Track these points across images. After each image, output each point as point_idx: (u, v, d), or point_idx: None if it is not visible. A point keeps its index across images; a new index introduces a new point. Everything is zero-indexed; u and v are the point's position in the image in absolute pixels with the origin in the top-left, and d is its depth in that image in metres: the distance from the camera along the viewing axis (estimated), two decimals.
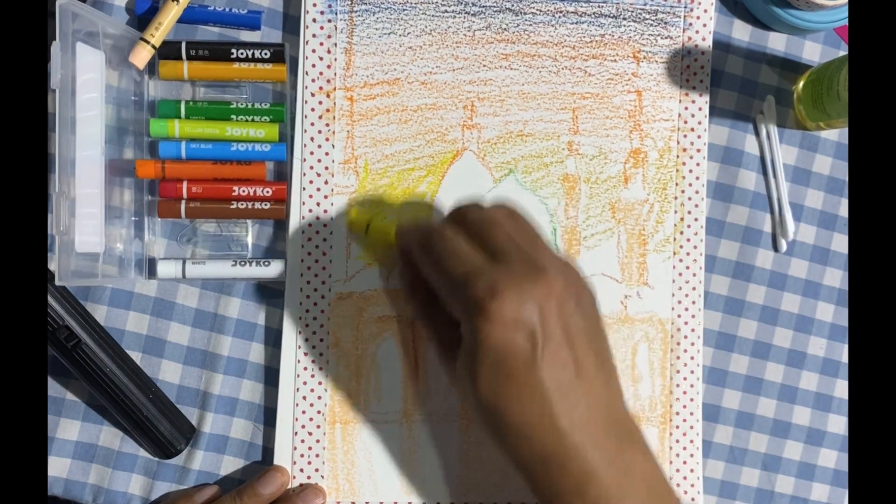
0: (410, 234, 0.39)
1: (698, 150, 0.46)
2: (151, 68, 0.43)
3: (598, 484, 0.34)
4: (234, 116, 0.43)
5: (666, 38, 0.46)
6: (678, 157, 0.46)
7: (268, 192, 0.43)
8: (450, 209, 0.39)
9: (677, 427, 0.45)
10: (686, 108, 0.46)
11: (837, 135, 0.48)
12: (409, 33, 0.44)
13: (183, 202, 0.43)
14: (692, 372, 0.46)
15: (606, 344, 0.37)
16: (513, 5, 0.45)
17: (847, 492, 0.48)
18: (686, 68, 0.46)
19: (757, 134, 0.47)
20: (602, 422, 0.35)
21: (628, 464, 0.35)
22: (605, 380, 0.36)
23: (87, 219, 0.40)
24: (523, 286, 0.33)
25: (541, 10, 0.45)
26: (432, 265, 0.36)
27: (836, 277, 0.48)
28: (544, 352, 0.34)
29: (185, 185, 0.43)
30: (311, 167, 0.44)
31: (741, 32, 0.47)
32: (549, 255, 0.36)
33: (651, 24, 0.45)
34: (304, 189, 0.44)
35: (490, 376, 0.34)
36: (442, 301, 0.37)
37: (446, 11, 0.45)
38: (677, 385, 0.46)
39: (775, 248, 0.48)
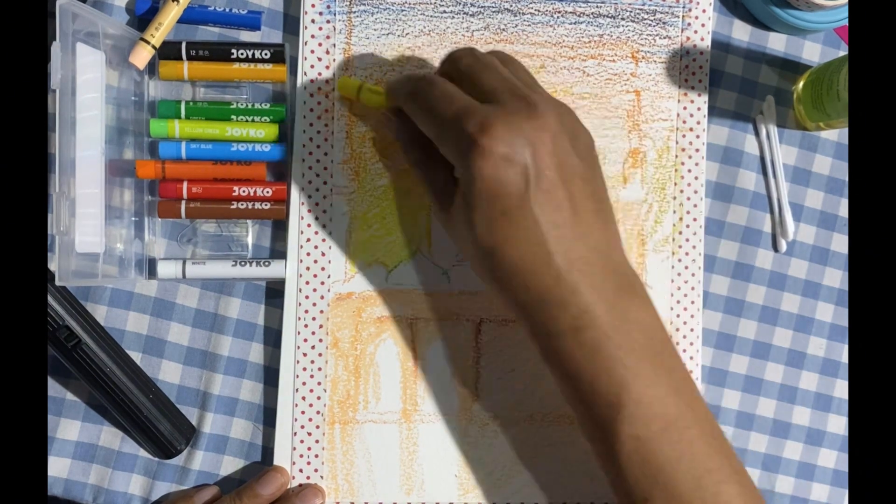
0: (401, 86, 0.38)
1: (697, 150, 0.46)
2: (151, 68, 0.43)
3: (595, 326, 0.34)
4: (234, 116, 0.43)
5: (664, 38, 0.46)
6: (677, 157, 0.46)
7: (268, 192, 0.44)
8: (443, 59, 0.38)
9: None
10: (685, 108, 0.46)
11: (837, 135, 0.48)
12: (407, 34, 0.44)
13: (183, 202, 0.43)
14: (691, 371, 0.46)
15: (604, 188, 0.37)
16: (511, 6, 0.45)
17: (847, 492, 0.48)
18: (685, 68, 0.46)
19: (757, 134, 0.47)
20: (600, 266, 0.35)
21: (625, 310, 0.35)
22: (603, 224, 0.36)
23: (87, 219, 0.40)
24: (515, 121, 0.33)
25: (539, 11, 0.45)
26: (425, 112, 0.36)
27: (836, 277, 0.48)
28: (537, 188, 0.33)
29: (185, 185, 0.43)
30: (311, 167, 0.44)
31: (741, 32, 0.47)
32: (544, 94, 0.36)
33: (649, 24, 0.45)
34: (303, 189, 0.44)
35: (485, 215, 0.34)
36: (438, 148, 0.37)
37: (445, 12, 0.45)
38: None
39: (775, 248, 0.48)
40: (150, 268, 0.43)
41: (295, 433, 0.44)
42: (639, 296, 0.36)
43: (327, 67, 0.44)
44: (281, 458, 0.44)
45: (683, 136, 0.46)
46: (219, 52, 0.43)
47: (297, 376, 0.44)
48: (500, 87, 0.35)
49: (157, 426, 0.42)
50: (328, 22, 0.44)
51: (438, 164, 0.38)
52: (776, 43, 0.48)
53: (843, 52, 0.48)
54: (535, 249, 0.34)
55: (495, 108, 0.34)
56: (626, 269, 0.36)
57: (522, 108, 0.34)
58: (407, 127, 0.39)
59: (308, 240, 0.44)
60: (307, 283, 0.44)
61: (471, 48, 0.38)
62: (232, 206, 0.43)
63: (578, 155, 0.35)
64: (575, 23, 0.45)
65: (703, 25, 0.46)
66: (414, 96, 0.37)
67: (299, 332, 0.44)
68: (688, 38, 0.46)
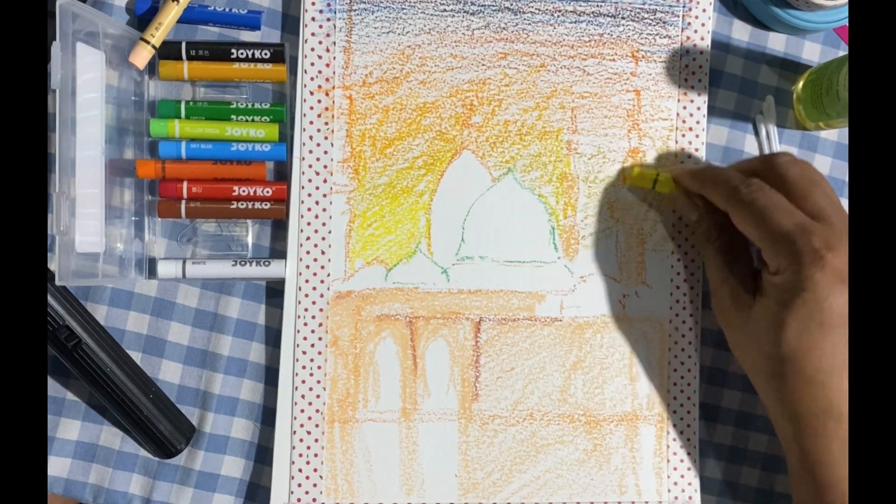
0: (716, 182, 0.41)
1: (696, 150, 0.46)
2: (151, 68, 0.43)
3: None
4: (234, 116, 0.43)
5: (664, 37, 0.46)
6: (677, 156, 0.46)
7: (268, 191, 0.44)
8: (758, 158, 0.41)
9: (674, 426, 0.45)
10: (685, 108, 0.46)
11: (837, 135, 0.48)
12: (407, 32, 0.44)
13: (183, 202, 0.43)
14: (689, 371, 0.46)
15: None
16: (511, 4, 0.45)
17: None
18: (685, 68, 0.46)
19: (756, 134, 0.47)
20: None
21: None
22: None
23: (87, 219, 0.40)
24: (847, 246, 0.36)
25: (539, 10, 0.45)
26: (752, 216, 0.39)
27: None
28: (851, 309, 0.36)
29: (185, 185, 0.43)
30: (310, 166, 0.44)
31: (741, 32, 0.47)
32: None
33: (650, 24, 0.45)
34: (303, 188, 0.44)
35: (802, 322, 0.37)
36: (744, 243, 0.41)
37: (445, 10, 0.45)
38: (675, 384, 0.46)
39: None
40: (150, 268, 0.43)
41: (294, 432, 0.44)
42: None
43: (327, 66, 0.44)
44: (280, 457, 0.44)
45: (683, 135, 0.46)
46: (219, 52, 0.43)
47: (297, 375, 0.44)
48: (830, 209, 0.38)
49: (157, 426, 0.42)
50: (328, 20, 0.44)
51: (741, 258, 0.42)
52: (776, 43, 0.48)
53: (843, 52, 0.48)
54: (836, 365, 0.37)
55: (832, 228, 0.37)
56: None
57: (846, 233, 0.37)
58: (714, 217, 0.42)
59: (308, 238, 0.44)
60: (307, 281, 0.44)
61: (793, 157, 0.40)
62: (232, 206, 0.43)
63: None
64: (575, 22, 0.45)
65: (703, 25, 0.46)
66: (742, 201, 0.39)
67: (299, 331, 0.44)
68: (688, 38, 0.46)
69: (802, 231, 0.37)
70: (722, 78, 0.47)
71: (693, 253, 0.46)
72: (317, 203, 0.44)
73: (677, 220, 0.46)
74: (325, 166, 0.44)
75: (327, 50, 0.44)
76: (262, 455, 0.45)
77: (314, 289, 0.44)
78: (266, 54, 0.43)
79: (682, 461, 0.45)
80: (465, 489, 0.45)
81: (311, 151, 0.44)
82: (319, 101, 0.44)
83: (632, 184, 0.45)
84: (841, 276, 0.36)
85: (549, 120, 0.45)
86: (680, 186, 0.44)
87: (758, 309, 0.39)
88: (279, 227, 0.45)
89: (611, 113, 0.45)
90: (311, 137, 0.44)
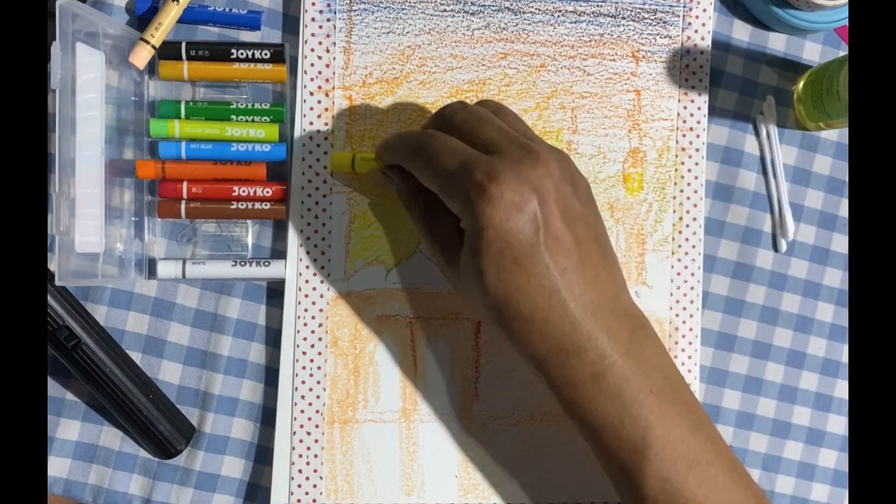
0: (398, 144, 0.39)
1: (697, 150, 0.46)
2: (151, 68, 0.43)
3: (614, 371, 0.34)
4: (234, 117, 0.43)
5: (665, 37, 0.46)
6: (677, 156, 0.46)
7: (268, 192, 0.44)
8: (433, 114, 0.39)
9: None
10: (685, 108, 0.46)
11: (837, 135, 0.48)
12: (407, 32, 0.44)
13: (183, 202, 0.43)
14: (689, 371, 0.46)
15: (605, 232, 0.37)
16: (511, 4, 0.45)
17: (847, 492, 0.48)
18: (685, 68, 0.46)
19: (757, 134, 0.47)
20: (611, 310, 0.35)
21: (640, 352, 0.35)
22: (609, 268, 0.36)
23: (87, 219, 0.40)
24: (520, 169, 0.33)
25: (540, 10, 0.45)
26: (427, 166, 0.36)
27: (836, 277, 0.48)
28: (546, 235, 0.34)
29: (185, 185, 0.43)
30: (310, 166, 0.44)
31: (741, 32, 0.47)
32: (542, 143, 0.36)
33: (650, 24, 0.45)
34: (302, 188, 0.44)
35: (496, 264, 0.34)
36: (443, 201, 0.37)
37: (445, 10, 0.45)
38: None
39: (775, 248, 0.48)
40: (150, 268, 0.43)
41: (294, 432, 0.44)
42: (651, 337, 0.36)
43: (327, 66, 0.44)
44: (280, 458, 0.44)
45: (683, 135, 0.46)
46: (219, 52, 0.43)
47: (297, 375, 0.44)
48: (500, 139, 0.35)
49: (157, 426, 0.42)
50: (328, 20, 0.44)
51: (441, 217, 0.38)
52: (776, 43, 0.48)
53: (843, 52, 0.48)
54: (548, 297, 0.34)
55: (499, 157, 0.34)
56: (636, 312, 0.37)
57: (525, 156, 0.34)
58: (407, 183, 0.40)
59: (308, 239, 0.44)
60: (307, 281, 0.44)
61: (462, 102, 0.38)
62: (232, 206, 0.43)
63: (580, 200, 0.35)
64: (575, 22, 0.45)
65: (703, 25, 0.46)
66: (417, 152, 0.37)
67: (298, 331, 0.44)
68: (688, 38, 0.46)
69: (465, 167, 0.34)
70: (722, 78, 0.47)
71: (693, 253, 0.46)
72: (317, 203, 0.44)
73: (678, 220, 0.46)
74: (326, 167, 0.44)
75: (327, 50, 0.44)
76: (262, 455, 0.45)
77: (314, 289, 0.44)
78: (266, 54, 0.43)
79: None
80: (465, 490, 0.45)
81: (311, 152, 0.44)
82: (319, 102, 0.44)
83: (333, 170, 0.44)
84: (512, 204, 0.33)
85: (550, 120, 0.45)
86: (378, 162, 0.42)
87: (462, 263, 0.36)
88: (279, 227, 0.45)
89: (611, 113, 0.45)
90: (311, 138, 0.44)
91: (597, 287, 0.35)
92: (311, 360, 0.44)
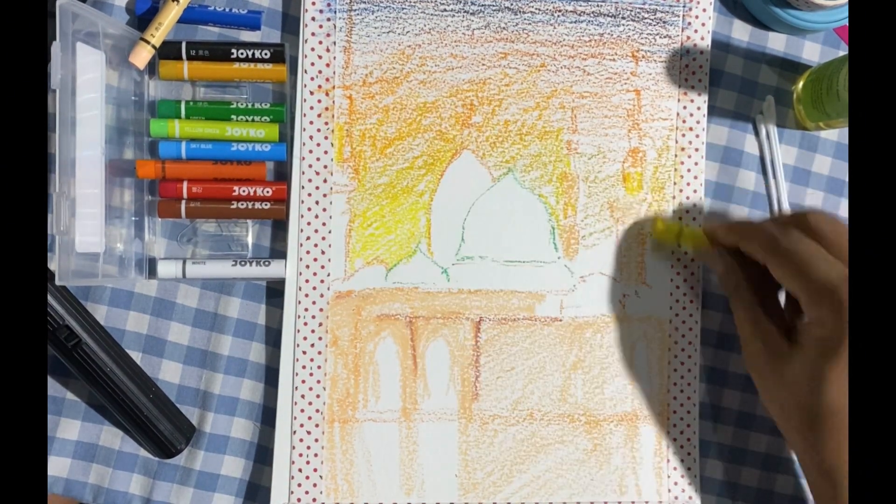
0: (752, 235, 0.41)
1: (696, 150, 0.46)
2: (151, 68, 0.43)
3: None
4: (234, 116, 0.43)
5: (665, 37, 0.46)
6: (676, 156, 0.46)
7: (268, 192, 0.44)
8: (793, 216, 0.41)
9: (675, 426, 0.45)
10: (685, 108, 0.46)
11: (837, 135, 0.48)
12: (407, 32, 0.44)
13: (183, 202, 0.43)
14: (689, 371, 0.46)
15: None
16: (512, 4, 0.45)
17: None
18: (685, 67, 0.46)
19: (756, 134, 0.47)
20: None
21: None
22: None
23: (87, 219, 0.40)
24: None
25: (540, 9, 0.45)
26: (793, 267, 0.38)
27: None
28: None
29: (185, 185, 0.43)
30: (310, 165, 0.44)
31: (741, 32, 0.47)
32: None
33: (650, 24, 0.45)
34: (303, 188, 0.44)
35: (843, 376, 0.36)
36: (772, 293, 0.41)
37: (445, 10, 0.45)
38: (675, 384, 0.46)
39: None
40: (150, 268, 0.43)
41: (294, 432, 0.44)
42: None
43: (327, 66, 0.44)
44: (280, 457, 0.44)
45: (683, 135, 0.46)
46: (219, 52, 0.43)
47: (297, 375, 0.44)
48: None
49: (157, 426, 0.42)
50: (328, 20, 0.44)
51: (771, 310, 0.42)
52: (776, 43, 0.47)
53: (843, 52, 0.48)
54: None
55: None
56: None
57: None
58: (743, 270, 0.42)
59: (308, 238, 0.44)
60: (307, 281, 0.44)
61: (825, 214, 0.40)
62: (232, 206, 0.43)
63: None
64: (575, 21, 0.45)
65: (703, 25, 0.46)
66: (785, 253, 0.39)
67: (299, 331, 0.44)
68: (688, 38, 0.46)
69: (845, 281, 0.37)
70: (722, 78, 0.47)
71: (693, 253, 0.46)
72: (317, 203, 0.44)
73: (677, 220, 0.46)
74: (325, 166, 0.44)
75: (327, 50, 0.44)
76: (262, 455, 0.45)
77: (314, 289, 0.44)
78: (266, 54, 0.43)
79: (682, 461, 0.45)
80: (465, 489, 0.45)
81: (311, 151, 0.44)
82: (319, 101, 0.44)
83: (656, 239, 0.45)
84: None
85: (550, 120, 0.45)
86: (708, 240, 0.44)
87: (796, 360, 0.39)
88: (279, 227, 0.45)
89: (611, 113, 0.45)
90: (311, 137, 0.44)
91: None
92: (311, 360, 0.44)
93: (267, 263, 0.43)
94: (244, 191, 0.43)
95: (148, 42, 0.42)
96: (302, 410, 0.44)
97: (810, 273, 0.38)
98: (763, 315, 0.41)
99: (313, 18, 0.44)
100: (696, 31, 0.46)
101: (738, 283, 0.43)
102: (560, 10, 0.45)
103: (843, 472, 0.37)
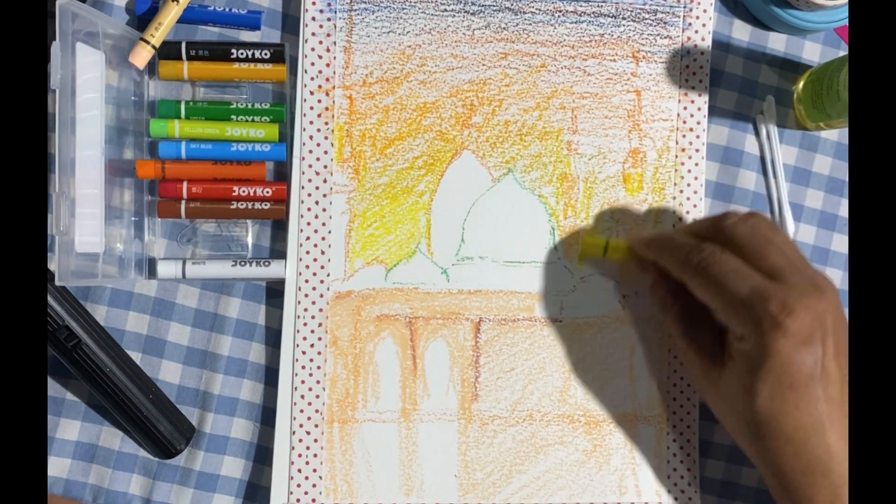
0: (669, 250, 0.40)
1: (697, 151, 0.46)
2: (151, 68, 0.43)
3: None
4: (234, 116, 0.43)
5: (665, 37, 0.46)
6: (677, 157, 0.46)
7: (268, 192, 0.44)
8: (709, 220, 0.40)
9: (674, 426, 0.45)
10: (685, 108, 0.46)
11: (837, 135, 0.48)
12: (408, 32, 0.44)
13: (183, 202, 0.43)
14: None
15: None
16: (512, 4, 0.45)
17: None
18: (685, 68, 0.46)
19: (757, 134, 0.47)
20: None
21: None
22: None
23: (87, 219, 0.40)
24: (810, 304, 0.36)
25: (540, 10, 0.45)
26: (709, 285, 0.38)
27: (836, 277, 0.48)
28: (823, 367, 0.36)
29: (185, 185, 0.43)
30: (310, 165, 0.44)
31: (741, 32, 0.47)
32: (816, 271, 0.38)
33: (650, 24, 0.45)
34: (302, 188, 0.44)
35: (771, 388, 0.36)
36: (703, 308, 0.39)
37: (445, 10, 0.45)
38: (675, 384, 0.46)
39: None
40: (150, 268, 0.43)
41: (294, 432, 0.44)
42: None
43: (327, 66, 0.44)
44: (280, 457, 0.44)
45: (683, 136, 0.46)
46: (219, 52, 0.43)
47: (297, 375, 0.44)
48: (785, 265, 0.37)
49: (157, 426, 0.42)
50: (329, 20, 0.44)
51: (700, 324, 0.41)
52: (776, 43, 0.47)
53: (843, 52, 0.48)
54: (813, 422, 0.36)
55: (789, 288, 0.36)
56: None
57: (813, 290, 0.36)
58: (666, 284, 0.42)
59: (308, 238, 0.44)
60: (306, 281, 0.44)
61: (743, 216, 0.39)
62: (232, 206, 0.43)
63: (843, 326, 0.37)
64: (576, 22, 0.45)
65: (703, 25, 0.46)
66: (696, 268, 0.38)
67: (298, 331, 0.44)
68: (688, 38, 0.46)
69: (759, 297, 0.36)
70: (722, 78, 0.47)
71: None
72: (317, 203, 0.44)
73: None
74: (325, 166, 0.44)
75: (327, 50, 0.44)
76: (262, 455, 0.45)
77: (314, 289, 0.44)
78: (266, 54, 0.43)
79: (681, 461, 0.45)
80: (465, 490, 0.45)
81: (311, 151, 0.44)
82: (319, 101, 0.44)
83: (583, 252, 0.44)
84: (803, 338, 0.35)
85: (550, 120, 0.45)
86: (633, 254, 0.43)
87: (728, 373, 0.38)
88: (279, 227, 0.45)
89: (611, 113, 0.45)
90: (311, 137, 0.44)
91: (847, 414, 0.36)
92: (311, 360, 0.44)
93: (267, 264, 0.43)
94: (244, 191, 0.43)
95: (148, 42, 0.42)
96: (301, 411, 0.44)
97: (724, 290, 0.37)
98: (692, 330, 0.41)
99: (313, 18, 0.44)
100: (696, 31, 0.46)
101: (663, 299, 0.42)
102: (560, 11, 0.45)
103: (786, 473, 0.37)
